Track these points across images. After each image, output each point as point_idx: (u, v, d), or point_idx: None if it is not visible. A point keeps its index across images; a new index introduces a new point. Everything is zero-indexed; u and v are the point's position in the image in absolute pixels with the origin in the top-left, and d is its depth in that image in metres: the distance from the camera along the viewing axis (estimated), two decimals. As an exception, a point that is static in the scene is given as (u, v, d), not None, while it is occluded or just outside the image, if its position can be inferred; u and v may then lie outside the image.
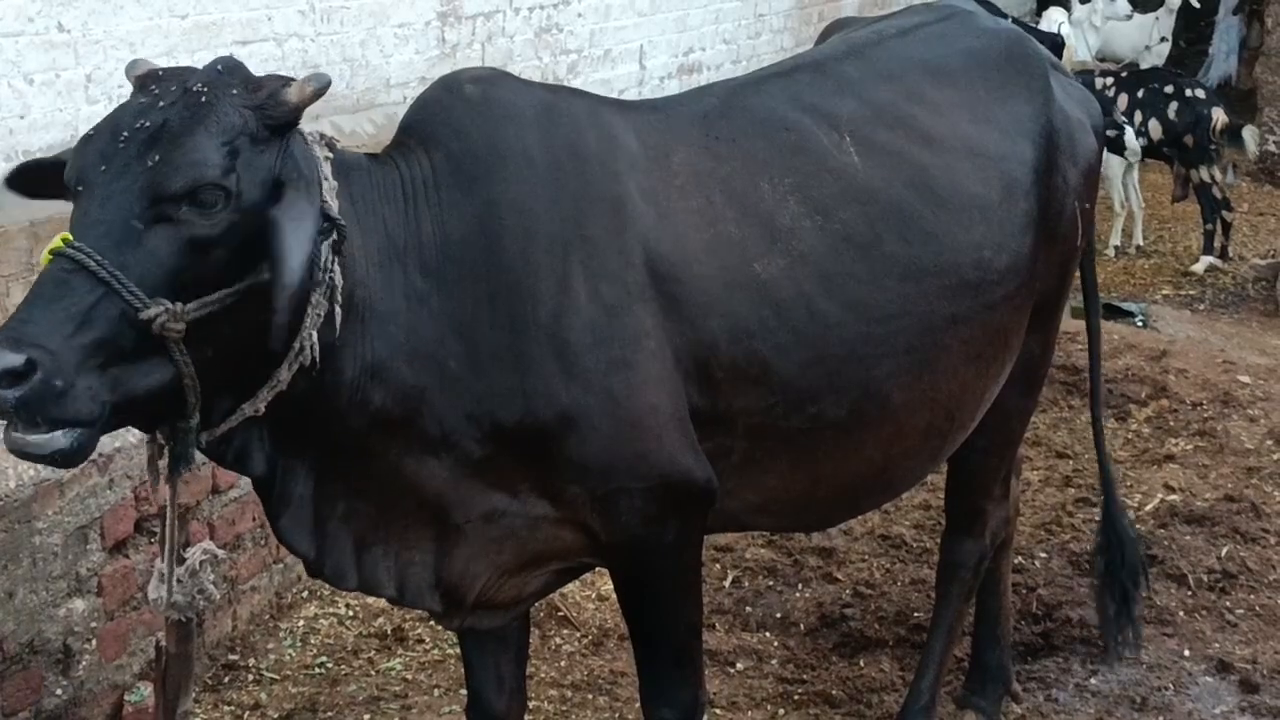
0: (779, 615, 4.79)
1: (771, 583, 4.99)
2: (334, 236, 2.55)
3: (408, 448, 2.77)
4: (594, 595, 4.83)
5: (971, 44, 3.59)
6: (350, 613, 4.78)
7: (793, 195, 3.08)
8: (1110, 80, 9.77)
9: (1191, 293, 9.04)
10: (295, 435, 2.69)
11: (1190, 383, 6.58)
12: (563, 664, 4.49)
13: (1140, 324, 7.91)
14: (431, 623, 4.51)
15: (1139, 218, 9.90)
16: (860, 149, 3.21)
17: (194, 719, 4.05)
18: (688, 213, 2.96)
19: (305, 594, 4.85)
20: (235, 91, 2.48)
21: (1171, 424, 6.24)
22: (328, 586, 3.82)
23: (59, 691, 3.88)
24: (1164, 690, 4.35)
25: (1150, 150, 9.63)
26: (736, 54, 8.16)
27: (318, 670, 4.48)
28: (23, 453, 2.33)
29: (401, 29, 5.61)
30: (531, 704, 3.84)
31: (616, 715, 4.23)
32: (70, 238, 2.35)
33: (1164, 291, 9.02)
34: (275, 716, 4.23)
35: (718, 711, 4.21)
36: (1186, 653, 4.54)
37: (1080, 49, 11.80)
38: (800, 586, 4.96)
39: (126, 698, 4.08)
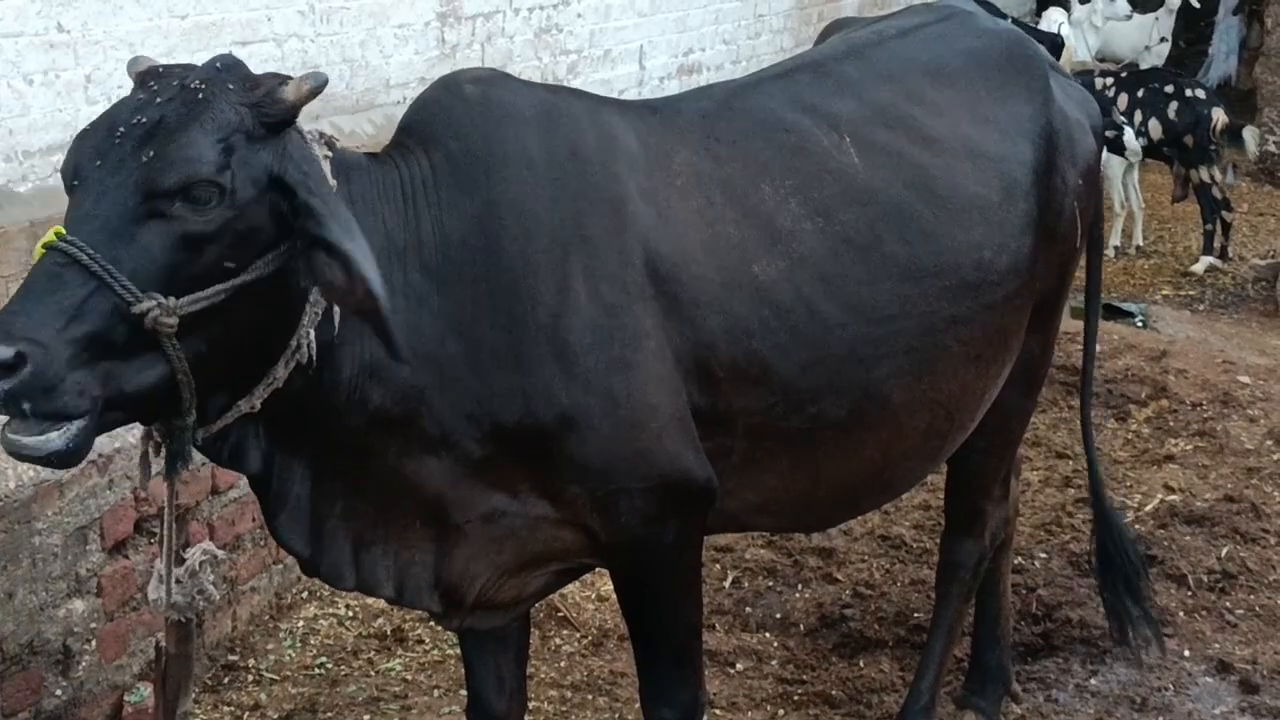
0: (779, 616, 4.79)
1: (771, 583, 4.99)
2: None
3: (407, 447, 2.77)
4: (594, 596, 4.83)
5: (971, 44, 3.59)
6: (350, 613, 4.78)
7: (793, 196, 3.09)
8: (1110, 80, 9.77)
9: (1191, 293, 9.05)
10: (292, 433, 2.69)
11: (1190, 383, 6.58)
12: (563, 664, 4.49)
13: (1140, 324, 7.91)
14: (431, 623, 4.51)
15: (1139, 218, 9.90)
16: (860, 150, 3.21)
17: (193, 719, 4.05)
18: (687, 213, 2.96)
19: (305, 595, 4.85)
20: (232, 89, 2.48)
21: (1171, 424, 6.24)
22: (327, 587, 3.83)
23: (59, 692, 3.88)
24: (1164, 691, 4.35)
25: (1150, 150, 9.63)
26: (736, 54, 8.16)
27: (317, 671, 4.48)
28: (19, 454, 2.33)
29: (401, 29, 5.61)
30: (531, 704, 3.84)
31: (616, 716, 4.23)
32: (63, 232, 2.35)
33: (1164, 292, 9.02)
34: (275, 717, 4.23)
35: (717, 712, 4.21)
36: (1186, 653, 4.54)
37: (1080, 49, 11.80)
38: (800, 587, 4.96)
39: (126, 698, 4.08)
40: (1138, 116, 9.57)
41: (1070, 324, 6.02)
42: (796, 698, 4.34)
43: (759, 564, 5.09)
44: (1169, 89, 9.59)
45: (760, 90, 3.29)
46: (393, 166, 2.80)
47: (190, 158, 2.38)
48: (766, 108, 3.21)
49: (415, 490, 2.82)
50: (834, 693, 4.34)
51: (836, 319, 3.07)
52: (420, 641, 4.61)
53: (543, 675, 4.39)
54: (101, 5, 4.26)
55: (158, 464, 2.62)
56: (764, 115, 3.19)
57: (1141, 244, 9.89)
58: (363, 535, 2.85)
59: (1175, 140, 9.51)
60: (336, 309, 2.58)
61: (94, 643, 3.97)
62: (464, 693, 3.48)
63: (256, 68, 2.64)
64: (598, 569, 3.25)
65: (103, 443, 3.90)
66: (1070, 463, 5.84)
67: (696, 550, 3.14)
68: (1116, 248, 9.66)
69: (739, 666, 4.50)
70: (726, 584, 4.97)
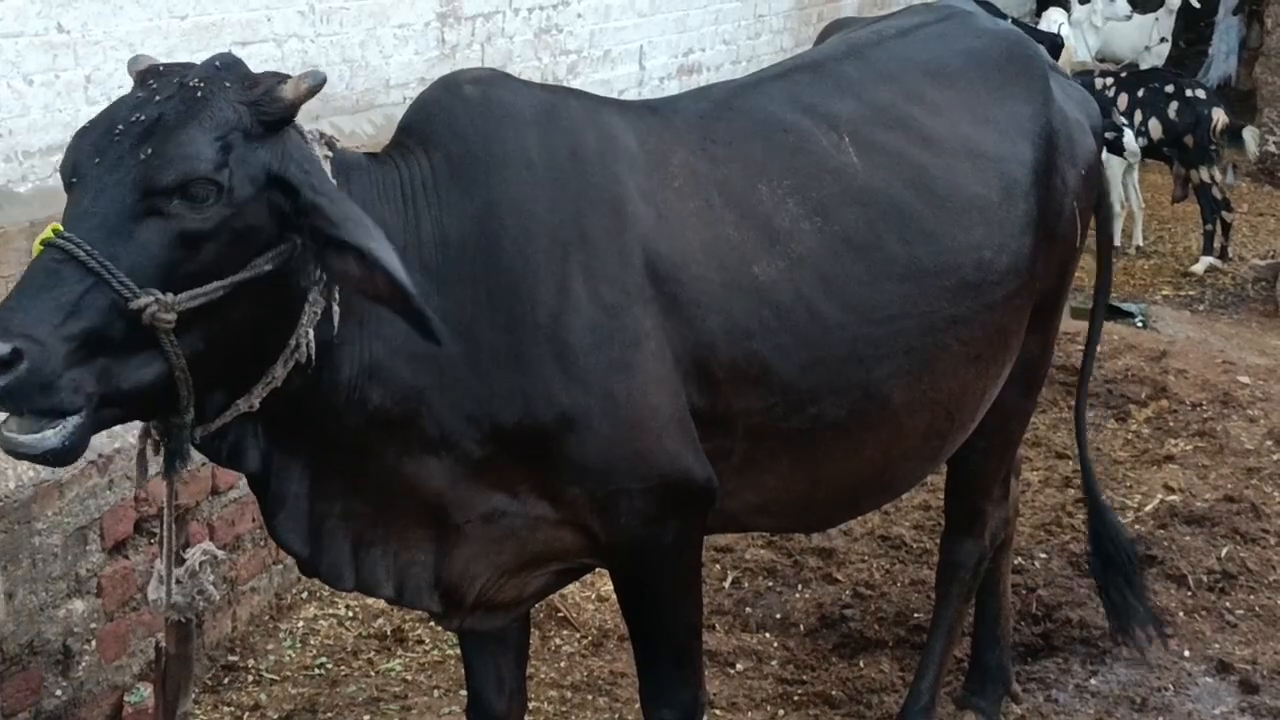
0: (779, 616, 4.79)
1: (771, 583, 4.99)
2: None
3: (406, 448, 2.77)
4: (594, 596, 4.83)
5: (971, 45, 3.59)
6: (350, 614, 4.78)
7: (792, 196, 3.08)
8: (1110, 80, 9.77)
9: (1191, 293, 9.05)
10: (291, 433, 2.69)
11: (1190, 383, 6.58)
12: (563, 665, 4.49)
13: (1140, 324, 7.91)
14: (431, 624, 4.51)
15: (1139, 218, 9.90)
16: (860, 150, 3.21)
17: (193, 719, 4.05)
18: (687, 214, 2.96)
19: (305, 595, 4.85)
20: (230, 87, 2.48)
21: (1171, 424, 6.24)
22: (327, 587, 3.83)
23: (59, 692, 3.88)
24: (1164, 691, 4.35)
25: (1150, 150, 9.63)
26: (736, 54, 8.17)
27: (317, 671, 4.48)
28: (15, 452, 2.33)
29: (401, 30, 5.61)
30: (531, 705, 3.84)
31: (616, 716, 4.23)
32: (61, 229, 2.35)
33: (1164, 292, 9.02)
34: (275, 717, 4.23)
35: (717, 712, 4.21)
36: (1186, 653, 4.54)
37: (1080, 49, 11.80)
38: (800, 587, 4.96)
39: (126, 698, 4.08)
40: (1138, 116, 9.57)
41: (1070, 324, 6.03)
42: (796, 698, 4.34)
43: (759, 564, 5.09)
44: (1169, 89, 9.59)
45: (759, 90, 3.29)
46: (392, 167, 2.80)
47: (188, 155, 2.38)
48: (766, 108, 3.21)
49: (415, 490, 2.81)
50: (834, 693, 4.34)
51: (836, 319, 3.07)
52: (420, 642, 4.61)
53: (543, 675, 4.39)
54: (101, 6, 4.26)
55: (156, 463, 2.62)
56: (763, 115, 3.19)
57: (1141, 244, 9.89)
58: (362, 535, 2.85)
59: (1175, 140, 9.52)
60: (335, 309, 2.58)
61: (94, 643, 3.97)
62: (464, 693, 3.48)
63: (256, 68, 2.64)
64: (598, 569, 3.25)
65: (103, 443, 3.92)
66: (1070, 463, 5.84)
67: (696, 550, 3.14)
68: (1117, 248, 9.66)
69: (739, 667, 4.50)
70: (726, 584, 4.97)
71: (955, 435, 3.51)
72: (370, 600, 4.60)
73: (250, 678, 4.43)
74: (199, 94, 2.44)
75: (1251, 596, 4.86)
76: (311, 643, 4.63)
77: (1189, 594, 4.86)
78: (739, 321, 2.96)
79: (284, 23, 4.99)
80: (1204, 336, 7.71)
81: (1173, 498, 5.53)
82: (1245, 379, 6.68)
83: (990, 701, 4.19)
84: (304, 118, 2.61)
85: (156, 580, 2.95)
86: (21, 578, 3.71)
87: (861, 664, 4.52)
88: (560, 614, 4.71)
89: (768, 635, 4.69)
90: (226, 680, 4.41)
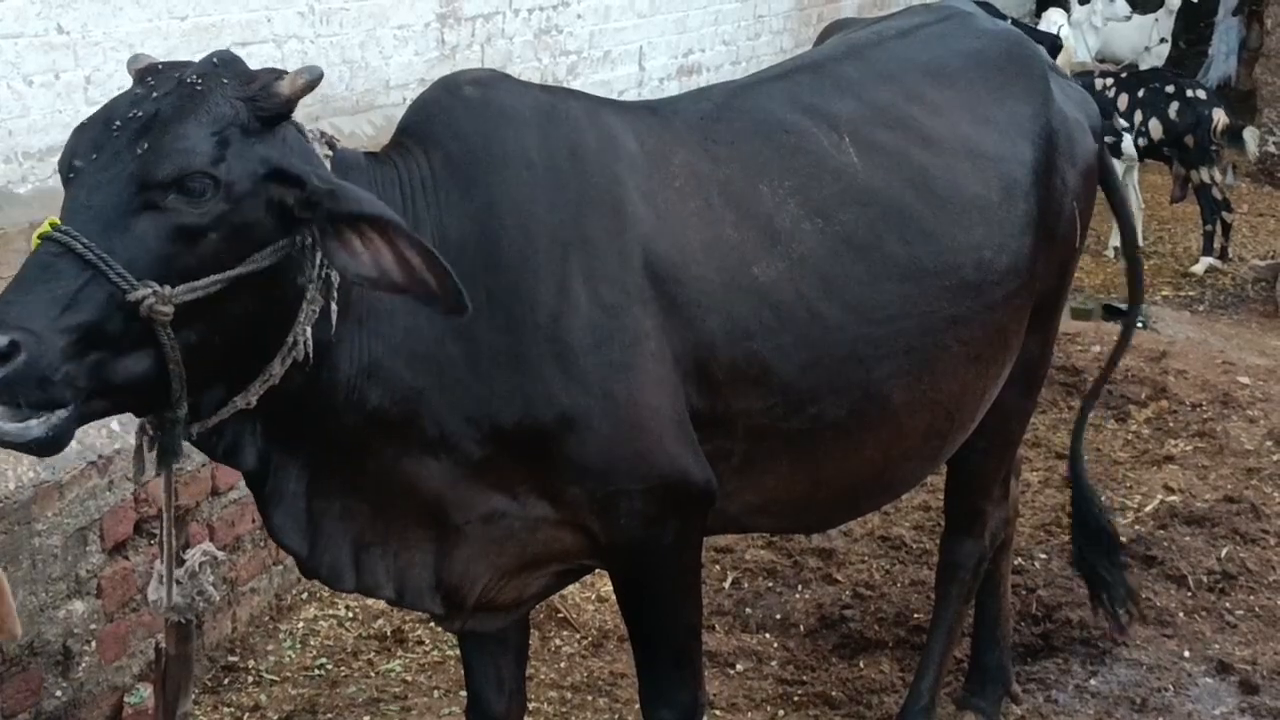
0: (779, 616, 4.79)
1: (771, 584, 4.99)
2: None
3: (406, 448, 2.77)
4: (594, 597, 4.83)
5: (971, 45, 3.59)
6: (350, 614, 4.78)
7: (792, 197, 3.08)
8: (1110, 81, 9.77)
9: (1191, 294, 9.05)
10: (289, 431, 2.69)
11: (1190, 384, 6.58)
12: (562, 665, 4.49)
13: (1140, 325, 7.91)
14: (431, 624, 4.51)
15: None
16: (860, 150, 3.21)
17: (193, 720, 4.05)
18: (687, 214, 2.96)
19: (305, 596, 4.85)
20: (228, 83, 2.48)
21: (1171, 425, 6.24)
22: (327, 588, 3.82)
23: (58, 693, 3.88)
24: (1164, 691, 4.35)
25: (1150, 150, 9.63)
26: (736, 55, 8.17)
27: (317, 672, 4.48)
28: (0, 441, 2.32)
29: (401, 30, 5.61)
30: (531, 705, 3.84)
31: (616, 717, 4.23)
32: (59, 222, 2.35)
33: (1164, 292, 9.02)
34: (275, 718, 4.23)
35: (717, 713, 4.21)
36: (1186, 654, 4.54)
37: (1080, 50, 11.81)
38: (800, 588, 4.96)
39: (126, 699, 4.08)
40: (1138, 117, 9.57)
41: (1070, 324, 6.03)
42: (796, 698, 4.34)
43: (759, 565, 5.09)
44: (1170, 89, 9.59)
45: (759, 91, 3.29)
46: (392, 167, 2.80)
47: (184, 150, 2.38)
48: (766, 108, 3.21)
49: (414, 491, 2.81)
50: (834, 693, 4.34)
51: (836, 319, 3.07)
52: (420, 642, 4.61)
53: (543, 676, 4.39)
54: (101, 6, 4.26)
55: (153, 460, 2.61)
56: (763, 116, 3.19)
57: (1141, 245, 9.89)
58: (362, 535, 2.84)
59: (1176, 140, 9.51)
60: (334, 307, 2.58)
61: (94, 644, 3.97)
62: (464, 694, 3.48)
63: (256, 69, 2.64)
64: (598, 570, 3.25)
65: (103, 444, 3.92)
66: (1070, 463, 5.84)
67: (696, 551, 3.14)
68: (1116, 248, 9.66)
69: (739, 667, 4.50)
70: (726, 585, 4.97)
71: (955, 435, 3.51)
72: (370, 601, 4.60)
73: (250, 678, 4.43)
74: (196, 90, 2.44)
75: (1251, 597, 4.85)
76: (311, 643, 4.63)
77: (1189, 594, 4.86)
78: (739, 322, 2.96)
79: (284, 24, 5.00)
80: (1204, 337, 7.71)
81: (1173, 498, 5.52)
82: (1245, 379, 6.68)
83: (990, 702, 4.19)
84: (304, 119, 2.61)
85: (156, 581, 2.95)
86: (21, 578, 3.71)
87: (861, 664, 4.52)
88: (560, 615, 4.71)
89: (768, 636, 4.69)
90: (226, 681, 4.41)
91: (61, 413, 2.30)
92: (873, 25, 3.75)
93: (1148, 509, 5.44)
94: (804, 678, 4.45)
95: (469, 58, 5.99)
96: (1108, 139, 8.30)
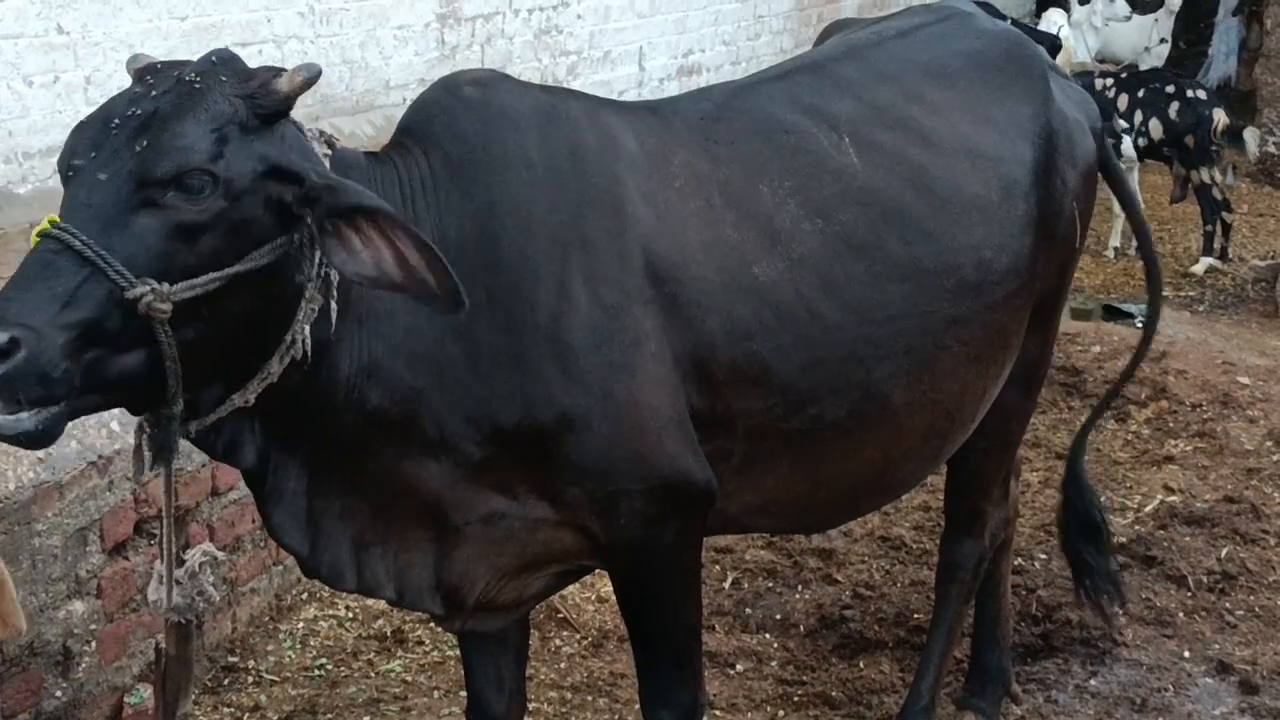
0: (779, 617, 4.79)
1: (771, 584, 4.99)
2: None
3: (405, 448, 2.77)
4: (594, 597, 4.83)
5: (971, 45, 3.59)
6: (350, 615, 4.78)
7: (792, 197, 3.08)
8: (1110, 81, 9.78)
9: (1191, 294, 9.05)
10: (289, 430, 2.69)
11: (1190, 384, 6.57)
12: (562, 666, 4.49)
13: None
14: (431, 625, 4.51)
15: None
16: (860, 150, 3.21)
17: (193, 721, 4.05)
18: (687, 215, 2.96)
19: (305, 596, 4.85)
20: (226, 81, 2.48)
21: (1171, 425, 6.24)
22: (327, 588, 3.83)
23: (58, 693, 3.88)
24: (1164, 691, 4.35)
25: (1150, 150, 9.63)
26: (736, 55, 8.17)
27: (317, 672, 4.48)
28: None
29: (401, 31, 5.62)
30: (531, 706, 3.84)
31: (616, 717, 4.23)
32: (58, 220, 2.36)
33: (1163, 293, 9.01)
34: (275, 718, 4.23)
35: (717, 713, 4.21)
36: (1186, 654, 4.54)
37: (1080, 50, 11.82)
38: (800, 588, 4.96)
39: (126, 700, 4.08)
40: (1138, 117, 9.57)
41: (1070, 324, 6.03)
42: (796, 699, 4.34)
43: (759, 565, 5.09)
44: (1170, 89, 9.59)
45: (759, 91, 3.29)
46: (392, 167, 2.80)
47: (183, 147, 2.38)
48: (765, 109, 3.21)
49: (414, 491, 2.81)
50: (834, 694, 4.34)
51: (836, 320, 3.07)
52: (420, 643, 4.61)
53: (543, 676, 4.39)
54: (101, 7, 4.27)
55: (148, 456, 2.61)
56: (763, 116, 3.19)
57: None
58: (362, 535, 2.84)
59: (1176, 140, 9.51)
60: (333, 306, 2.58)
61: (94, 644, 3.97)
62: (464, 694, 3.48)
63: (256, 69, 2.64)
64: (598, 570, 3.25)
65: (103, 444, 3.92)
66: (1070, 464, 5.84)
67: (696, 552, 3.14)
68: (1116, 249, 9.66)
69: (739, 667, 4.50)
70: (726, 585, 4.97)
71: (955, 435, 3.51)
72: (370, 601, 4.60)
73: (250, 679, 4.43)
74: (195, 88, 2.44)
75: (1251, 597, 4.85)
76: (311, 644, 4.63)
77: (1189, 594, 4.86)
78: (739, 322, 2.96)
79: (284, 24, 5.00)
80: (1204, 337, 7.70)
81: (1173, 498, 5.52)
82: (1245, 380, 6.68)
83: (990, 702, 4.19)
84: (304, 119, 2.62)
85: (156, 581, 2.95)
86: (21, 579, 3.71)
87: (861, 665, 4.52)
88: (560, 615, 4.71)
89: (767, 636, 4.69)
90: (226, 681, 4.41)
91: (53, 406, 2.30)
92: (873, 25, 3.76)
93: (1148, 509, 5.44)
94: (804, 678, 4.45)
95: (469, 58, 5.99)
96: (1108, 140, 8.31)
